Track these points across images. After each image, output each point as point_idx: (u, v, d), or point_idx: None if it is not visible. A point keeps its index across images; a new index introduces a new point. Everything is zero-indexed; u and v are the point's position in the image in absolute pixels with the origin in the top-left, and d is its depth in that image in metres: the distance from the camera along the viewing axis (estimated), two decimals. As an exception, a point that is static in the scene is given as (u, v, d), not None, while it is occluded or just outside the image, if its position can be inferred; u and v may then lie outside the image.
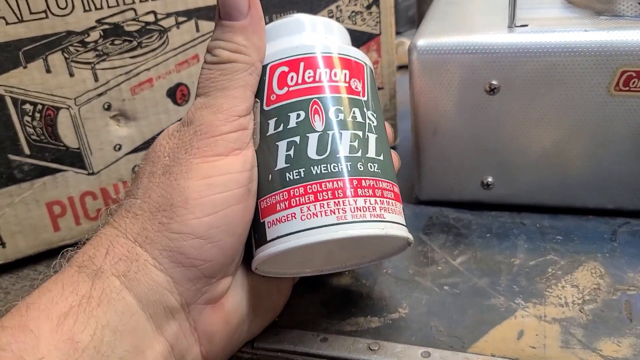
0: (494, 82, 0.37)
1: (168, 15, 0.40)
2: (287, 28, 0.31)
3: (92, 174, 0.41)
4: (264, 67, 0.30)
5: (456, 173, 0.41)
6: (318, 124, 0.28)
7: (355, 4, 0.46)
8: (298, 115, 0.28)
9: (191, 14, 0.40)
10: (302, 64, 0.29)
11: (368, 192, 0.28)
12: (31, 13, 0.36)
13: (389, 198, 0.29)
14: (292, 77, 0.29)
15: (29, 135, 0.38)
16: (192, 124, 0.28)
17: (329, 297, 0.35)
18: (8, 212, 0.39)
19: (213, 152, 0.27)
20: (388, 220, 0.28)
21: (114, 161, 0.41)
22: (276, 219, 0.27)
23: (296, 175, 0.27)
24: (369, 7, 0.46)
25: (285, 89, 0.29)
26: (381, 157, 0.29)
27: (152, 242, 0.26)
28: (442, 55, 0.37)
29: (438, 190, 0.42)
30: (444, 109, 0.39)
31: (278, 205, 0.28)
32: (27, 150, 0.38)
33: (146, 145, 0.41)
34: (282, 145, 0.28)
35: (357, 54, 0.31)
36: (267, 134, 0.29)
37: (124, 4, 0.38)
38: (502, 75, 0.37)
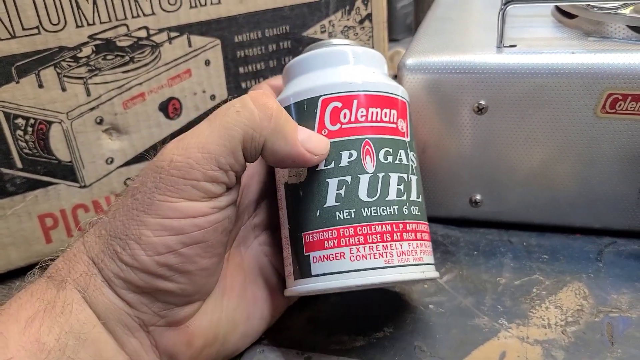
0: (482, 102, 0.37)
1: (160, 30, 0.40)
2: (332, 58, 0.31)
3: (84, 186, 0.41)
4: (316, 100, 0.30)
5: (445, 190, 0.41)
6: (369, 165, 0.29)
7: (348, 19, 0.46)
8: (350, 155, 0.29)
9: (183, 29, 0.41)
10: (355, 102, 0.29)
11: (411, 235, 0.29)
12: (24, 29, 0.36)
13: (426, 240, 0.30)
14: (345, 114, 0.29)
15: (21, 149, 0.38)
16: (177, 147, 0.27)
17: (315, 314, 0.35)
18: (0, 224, 0.39)
19: (178, 195, 0.26)
20: (426, 262, 0.29)
21: (106, 174, 0.41)
22: (323, 256, 0.28)
23: (347, 215, 0.28)
24: (361, 22, 0.46)
25: (338, 125, 0.29)
26: (420, 199, 0.31)
27: (106, 267, 0.27)
28: (431, 75, 0.38)
29: (427, 207, 0.42)
30: (432, 127, 0.39)
31: (326, 242, 0.28)
32: (19, 164, 0.39)
33: (138, 158, 0.42)
34: (333, 183, 0.29)
35: (402, 92, 0.32)
36: (317, 169, 0.29)
37: (116, 19, 0.39)
38: (490, 95, 0.37)
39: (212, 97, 0.43)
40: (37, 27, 0.36)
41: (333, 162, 0.29)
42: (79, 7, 0.37)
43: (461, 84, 0.37)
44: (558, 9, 0.43)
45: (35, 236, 0.40)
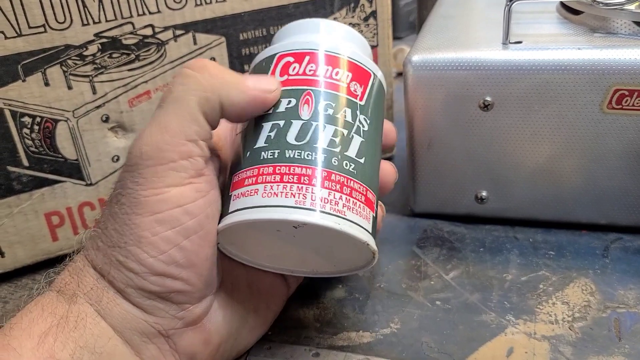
0: (488, 98, 0.37)
1: (166, 28, 0.40)
2: (306, 27, 0.33)
3: (90, 184, 0.41)
4: (272, 56, 0.31)
5: (451, 186, 0.41)
6: (305, 113, 0.29)
7: (353, 17, 0.46)
8: (289, 102, 0.29)
9: (188, 27, 0.41)
10: (307, 58, 0.30)
11: (335, 186, 0.27)
12: (30, 27, 0.36)
13: (358, 200, 0.28)
14: (294, 68, 0.30)
15: (27, 147, 0.38)
16: (141, 139, 0.27)
17: (321, 311, 0.35)
18: (7, 222, 0.39)
19: (162, 184, 0.26)
20: (348, 219, 0.27)
21: (112, 172, 0.41)
22: (241, 193, 0.28)
23: (270, 155, 0.28)
24: (366, 19, 0.46)
25: (285, 77, 0.30)
26: (362, 160, 0.29)
27: (116, 279, 0.26)
28: (437, 71, 0.38)
29: (433, 203, 0.43)
30: (438, 124, 0.39)
31: (246, 180, 0.28)
32: (25, 162, 0.39)
33: (144, 156, 0.42)
34: (267, 126, 0.29)
35: (368, 63, 0.32)
36: (257, 115, 0.30)
37: (122, 17, 0.39)
38: (496, 91, 0.37)
39: (218, 94, 0.43)
40: (43, 26, 0.36)
41: (272, 108, 0.29)
42: (84, 6, 0.37)
43: (467, 80, 0.37)
44: (563, 5, 0.43)
45: (41, 234, 0.40)
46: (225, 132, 0.32)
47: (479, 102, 0.38)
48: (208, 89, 0.27)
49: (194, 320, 0.28)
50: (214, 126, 0.28)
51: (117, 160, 0.41)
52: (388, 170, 0.33)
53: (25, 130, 0.38)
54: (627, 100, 0.35)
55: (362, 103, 0.30)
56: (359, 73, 0.31)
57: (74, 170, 0.40)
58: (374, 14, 0.46)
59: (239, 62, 0.43)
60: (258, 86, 0.28)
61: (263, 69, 0.31)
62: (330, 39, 0.32)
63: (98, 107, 0.39)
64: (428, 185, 0.42)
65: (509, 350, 0.31)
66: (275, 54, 0.31)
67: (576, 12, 0.41)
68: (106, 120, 0.40)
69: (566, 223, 0.41)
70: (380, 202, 0.32)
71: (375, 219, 0.30)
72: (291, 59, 0.30)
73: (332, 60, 0.30)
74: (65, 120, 0.39)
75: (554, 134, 0.37)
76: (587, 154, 0.37)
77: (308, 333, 0.34)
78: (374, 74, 0.32)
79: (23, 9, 0.35)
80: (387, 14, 0.47)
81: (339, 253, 0.31)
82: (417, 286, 0.37)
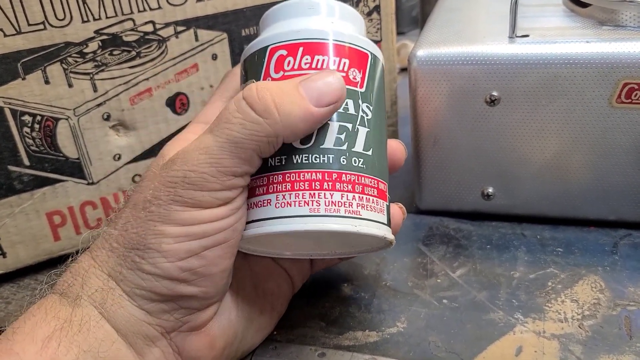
0: (495, 93, 0.37)
1: (167, 24, 0.40)
2: (295, 10, 0.31)
3: (92, 183, 0.41)
4: (265, 49, 0.29)
5: (456, 183, 0.41)
6: None
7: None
8: None
9: (190, 23, 0.40)
10: (300, 49, 0.29)
11: (347, 187, 0.27)
12: (29, 25, 0.36)
13: (370, 195, 0.28)
14: (289, 62, 0.29)
15: (28, 146, 0.38)
16: (186, 164, 0.26)
17: (327, 310, 0.35)
18: (8, 222, 0.39)
19: (197, 205, 0.26)
20: (364, 217, 0.27)
21: (114, 171, 0.41)
22: (253, 203, 0.27)
23: (277, 162, 0.27)
24: (369, 14, 0.46)
25: (281, 73, 0.28)
26: (369, 152, 0.28)
27: (125, 279, 0.26)
28: (442, 66, 0.37)
29: (438, 200, 0.42)
30: (444, 119, 0.39)
31: (257, 189, 0.27)
32: (26, 161, 0.38)
33: (146, 154, 0.41)
34: None
35: (362, 43, 0.30)
36: None
37: (123, 14, 0.38)
38: (503, 86, 0.37)
39: (220, 91, 0.43)
40: (42, 23, 0.36)
41: None
42: (84, 2, 0.37)
43: (473, 75, 0.37)
44: (570, -2, 0.42)
45: (43, 234, 0.40)
46: None
47: (485, 97, 0.37)
48: (271, 134, 0.25)
49: (198, 325, 0.28)
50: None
51: (119, 158, 0.41)
52: (397, 149, 0.33)
53: (26, 129, 0.37)
54: (636, 94, 0.35)
55: (363, 90, 0.29)
56: (355, 57, 0.29)
57: (75, 169, 0.40)
58: (377, 8, 0.46)
59: (241, 58, 0.43)
60: (323, 100, 0.26)
61: (256, 63, 0.29)
62: (321, 22, 0.30)
63: (99, 105, 0.39)
64: (433, 181, 0.41)
65: (517, 349, 0.31)
66: (267, 47, 0.29)
67: (583, 5, 0.40)
68: (107, 118, 0.40)
69: (574, 219, 0.40)
70: (400, 204, 0.33)
71: (388, 207, 0.30)
72: (284, 52, 0.29)
73: (326, 49, 0.29)
74: (66, 119, 0.38)
75: (562, 129, 0.37)
76: (595, 149, 0.37)
77: (314, 333, 0.33)
78: (370, 53, 0.30)
79: (22, 6, 0.35)
80: (391, 8, 0.46)
81: (356, 241, 0.31)
82: (424, 284, 0.36)
